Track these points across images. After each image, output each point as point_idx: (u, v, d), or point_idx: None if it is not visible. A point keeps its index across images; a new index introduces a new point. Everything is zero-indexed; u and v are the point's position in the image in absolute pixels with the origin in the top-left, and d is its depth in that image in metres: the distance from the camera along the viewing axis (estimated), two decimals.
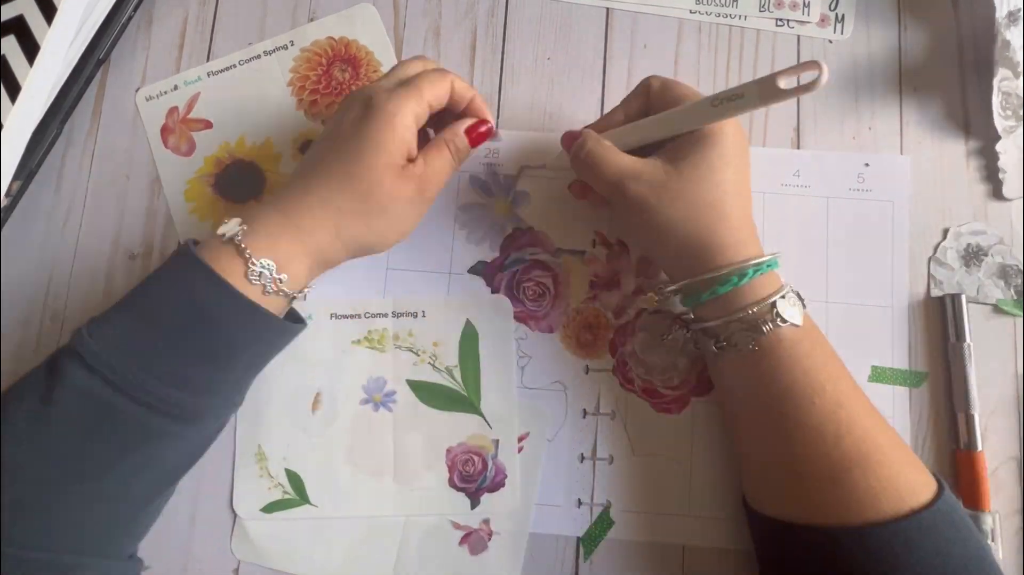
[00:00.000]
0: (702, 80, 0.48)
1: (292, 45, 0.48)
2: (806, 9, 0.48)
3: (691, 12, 0.48)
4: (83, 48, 0.45)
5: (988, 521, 0.40)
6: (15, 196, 0.45)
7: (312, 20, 0.49)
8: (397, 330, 0.43)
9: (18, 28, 0.41)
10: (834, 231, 0.45)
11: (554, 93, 0.48)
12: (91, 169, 0.47)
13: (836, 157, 0.46)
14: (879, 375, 0.44)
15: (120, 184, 0.47)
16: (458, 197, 0.46)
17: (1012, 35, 0.45)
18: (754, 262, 0.36)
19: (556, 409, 0.44)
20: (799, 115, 0.47)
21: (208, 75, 0.48)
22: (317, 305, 0.44)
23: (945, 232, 0.45)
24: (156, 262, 0.46)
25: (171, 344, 0.34)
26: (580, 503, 0.43)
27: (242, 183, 0.47)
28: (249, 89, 0.48)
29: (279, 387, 0.43)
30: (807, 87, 0.32)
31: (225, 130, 0.47)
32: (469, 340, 0.42)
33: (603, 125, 0.42)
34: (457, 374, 0.41)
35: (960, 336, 0.43)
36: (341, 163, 0.37)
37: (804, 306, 0.37)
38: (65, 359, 0.34)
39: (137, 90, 0.48)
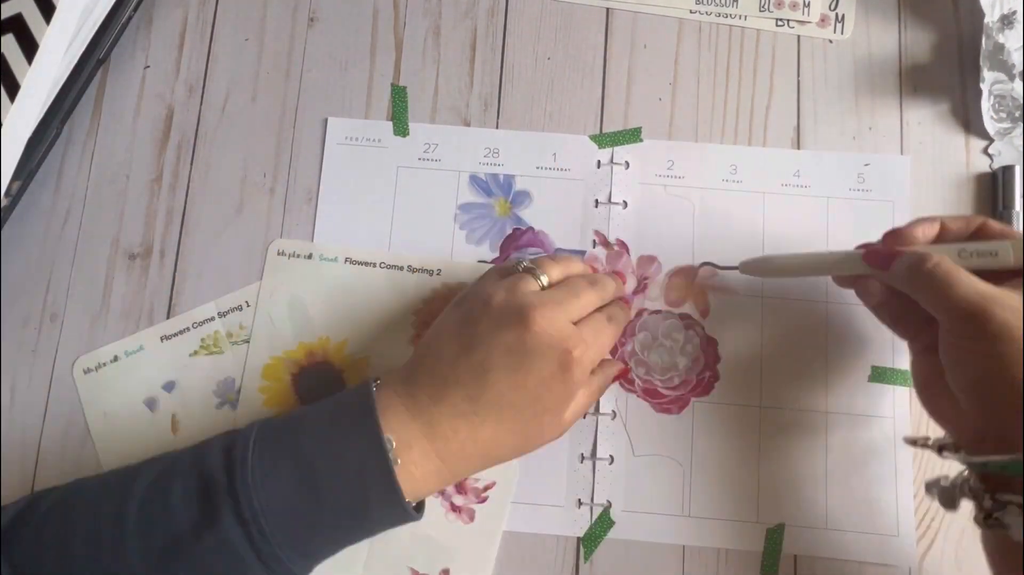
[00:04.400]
0: (702, 80, 0.48)
1: (438, 274, 0.45)
2: (806, 9, 0.48)
3: (691, 12, 0.48)
4: (83, 48, 0.45)
5: None
6: (15, 196, 0.45)
7: (312, 21, 0.49)
8: (229, 328, 0.44)
9: (17, 27, 0.41)
10: (834, 231, 0.45)
11: (554, 93, 0.48)
12: (91, 169, 0.47)
13: (836, 157, 0.46)
14: (879, 375, 0.44)
15: (120, 184, 0.47)
16: (458, 197, 0.46)
17: (1007, 38, 0.45)
18: None
19: None
20: (799, 115, 0.47)
21: (346, 261, 0.45)
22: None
23: None
24: (156, 262, 0.46)
25: (326, 532, 0.33)
26: (580, 503, 0.43)
27: (319, 389, 0.44)
28: (368, 296, 0.45)
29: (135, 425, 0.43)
30: None
31: (330, 324, 0.44)
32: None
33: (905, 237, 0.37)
34: None
35: (1009, 204, 0.44)
36: (520, 421, 0.35)
37: None
38: (225, 501, 0.31)
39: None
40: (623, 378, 0.43)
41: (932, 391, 0.37)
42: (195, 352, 0.45)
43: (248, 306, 0.45)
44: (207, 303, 0.45)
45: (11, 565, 0.31)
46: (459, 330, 0.36)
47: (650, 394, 0.44)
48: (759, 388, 0.44)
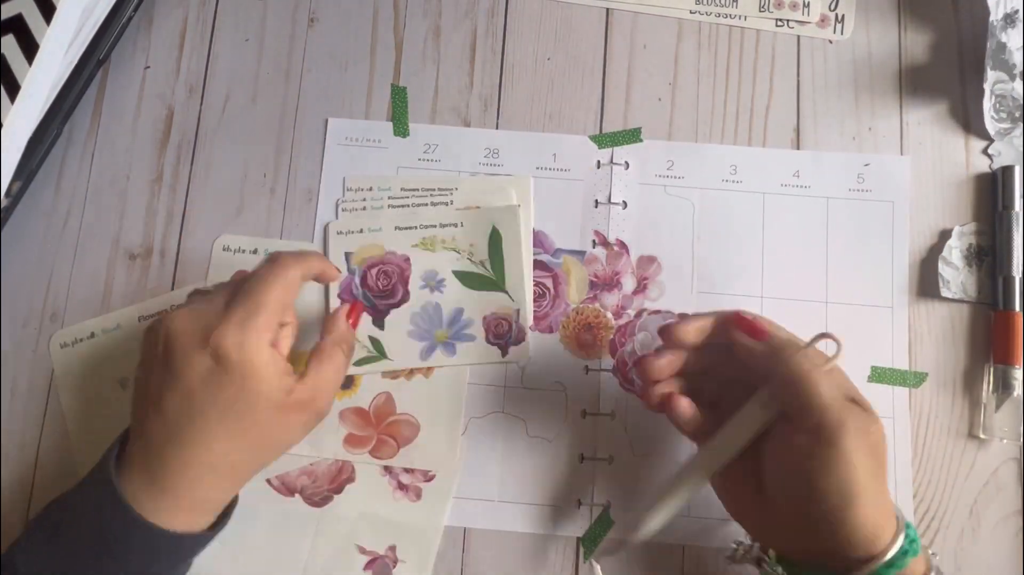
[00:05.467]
0: (702, 80, 0.48)
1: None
2: (806, 9, 0.48)
3: (691, 12, 0.48)
4: (83, 48, 0.45)
5: (1017, 375, 0.42)
6: (15, 196, 0.45)
7: (313, 21, 0.49)
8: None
9: (17, 27, 0.41)
10: (834, 231, 0.45)
11: (554, 93, 0.48)
12: (91, 169, 0.47)
13: (836, 157, 0.46)
14: (879, 375, 0.44)
15: (120, 184, 0.47)
16: None
17: (1009, 37, 0.45)
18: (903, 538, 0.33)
19: (556, 409, 0.44)
20: (799, 115, 0.47)
21: None
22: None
23: (946, 232, 0.45)
24: (156, 262, 0.46)
25: (74, 563, 0.34)
26: (580, 503, 0.43)
27: None
28: (317, 288, 0.45)
29: None
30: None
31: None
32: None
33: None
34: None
35: (1008, 205, 0.44)
36: (218, 438, 0.34)
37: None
38: None
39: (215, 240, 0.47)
40: (363, 309, 0.43)
41: (745, 501, 0.37)
42: None
43: None
44: (186, 286, 0.46)
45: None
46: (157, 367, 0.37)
47: None
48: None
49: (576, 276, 0.45)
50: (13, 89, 0.41)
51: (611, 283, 0.45)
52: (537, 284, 0.45)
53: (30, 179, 0.46)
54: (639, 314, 0.45)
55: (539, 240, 0.46)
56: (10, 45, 0.41)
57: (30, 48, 0.41)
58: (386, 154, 0.47)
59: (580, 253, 0.46)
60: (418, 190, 0.46)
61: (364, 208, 0.46)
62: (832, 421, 0.32)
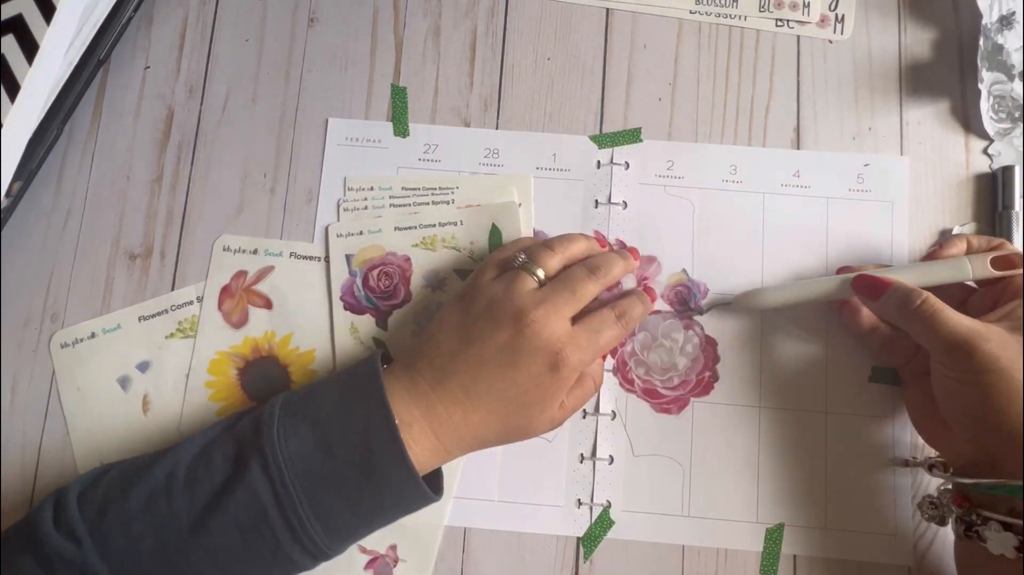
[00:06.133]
0: (702, 80, 0.48)
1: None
2: (806, 9, 0.48)
3: (691, 12, 0.48)
4: (83, 48, 0.45)
5: None
6: (15, 196, 0.45)
7: (313, 21, 0.49)
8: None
9: (17, 27, 0.41)
10: (834, 231, 0.45)
11: (554, 93, 0.48)
12: (91, 169, 0.47)
13: (836, 157, 0.46)
14: (879, 375, 0.44)
15: (120, 184, 0.47)
16: None
17: (1006, 39, 0.45)
18: None
19: None
20: (799, 115, 0.47)
21: (291, 255, 0.46)
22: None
23: (946, 232, 0.45)
24: (156, 262, 0.46)
25: (340, 489, 0.35)
26: (580, 503, 0.43)
27: (265, 383, 0.44)
28: (313, 290, 0.45)
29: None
30: None
31: (277, 320, 0.45)
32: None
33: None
34: None
35: (1008, 205, 0.44)
36: (507, 412, 0.38)
37: None
38: (254, 456, 0.35)
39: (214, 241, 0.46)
40: (621, 375, 0.43)
41: (926, 417, 0.40)
42: (171, 334, 0.45)
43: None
44: (187, 286, 0.46)
45: (86, 522, 0.35)
46: (459, 326, 0.39)
47: (650, 394, 0.44)
48: (759, 388, 0.44)
49: None
50: (13, 89, 0.41)
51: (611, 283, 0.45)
52: None
53: (30, 179, 0.46)
54: None
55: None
56: (10, 45, 0.41)
57: (30, 48, 0.41)
58: (386, 154, 0.47)
59: None
60: (419, 189, 0.46)
61: (366, 207, 0.46)
62: (964, 344, 0.34)
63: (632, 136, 0.47)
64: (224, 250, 0.46)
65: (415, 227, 0.46)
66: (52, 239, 0.46)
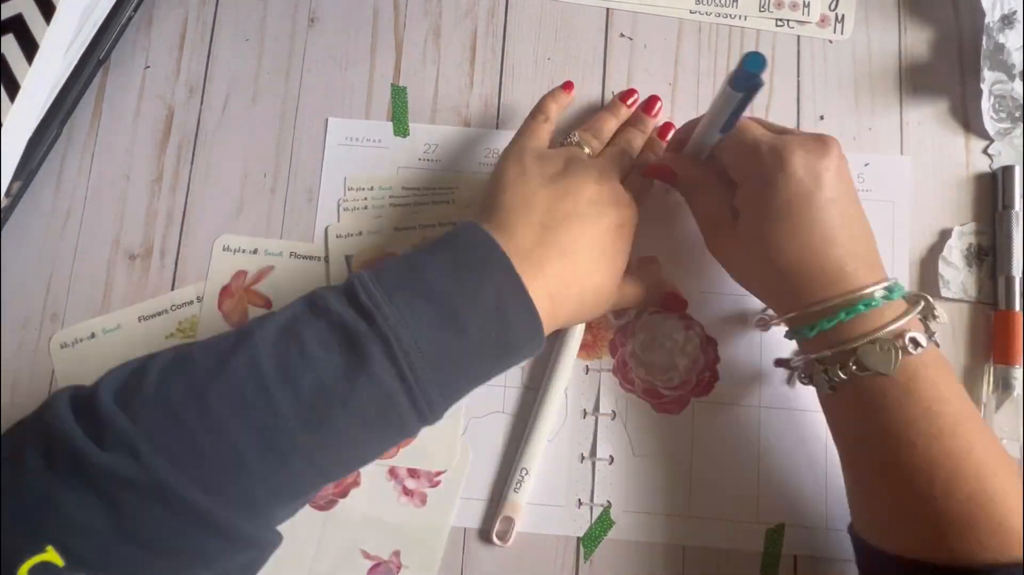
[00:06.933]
0: (702, 80, 0.48)
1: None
2: (806, 9, 0.48)
3: (691, 12, 0.48)
4: (83, 48, 0.45)
5: (1017, 375, 0.42)
6: (15, 196, 0.45)
7: (313, 21, 0.49)
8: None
9: (17, 27, 0.41)
10: None
11: None
12: (91, 169, 0.47)
13: None
14: None
15: (120, 184, 0.47)
16: None
17: (1007, 38, 0.45)
18: (883, 286, 0.34)
19: (557, 409, 0.44)
20: (799, 115, 0.47)
21: (291, 255, 0.46)
22: None
23: (946, 232, 0.45)
24: (156, 262, 0.46)
25: (474, 367, 0.34)
26: (580, 503, 0.43)
27: None
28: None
29: None
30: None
31: None
32: None
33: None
34: None
35: (1008, 204, 0.44)
36: (604, 259, 0.38)
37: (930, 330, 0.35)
38: (372, 343, 0.31)
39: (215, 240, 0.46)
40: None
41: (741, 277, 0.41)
42: (171, 335, 0.45)
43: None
44: (187, 286, 0.46)
45: (137, 432, 0.29)
46: (546, 182, 0.39)
47: (650, 394, 0.44)
48: (759, 388, 0.44)
49: None
50: (13, 89, 0.41)
51: None
52: None
53: (30, 179, 0.46)
54: (639, 314, 0.45)
55: None
56: (10, 45, 0.41)
57: (30, 48, 0.41)
58: (386, 154, 0.47)
59: None
60: (419, 189, 0.46)
61: (366, 207, 0.46)
62: (767, 152, 0.36)
63: None
64: (224, 250, 0.46)
65: (415, 227, 0.46)
66: (52, 239, 0.46)
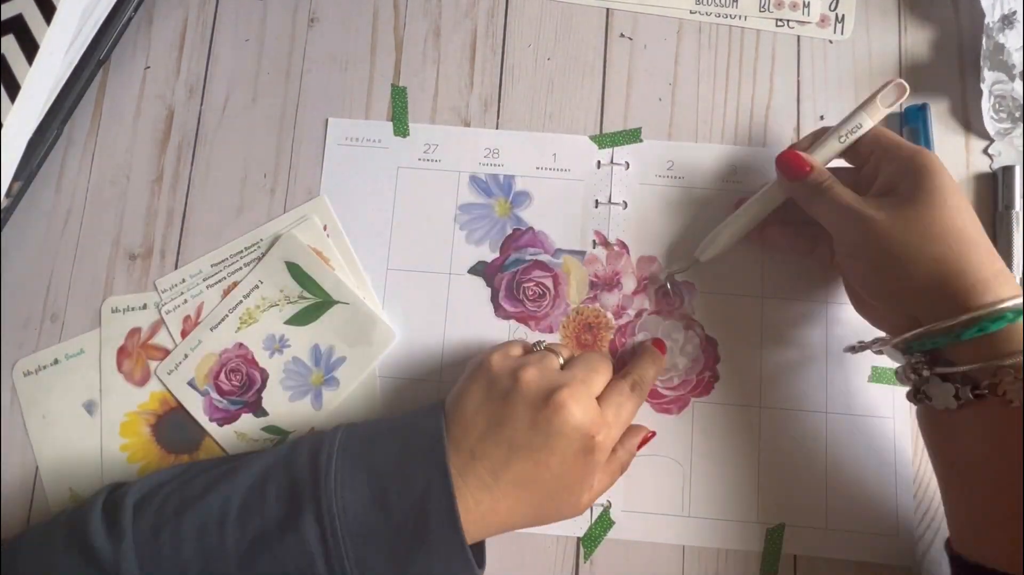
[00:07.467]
0: (702, 80, 0.48)
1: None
2: (806, 9, 0.48)
3: (691, 12, 0.48)
4: (83, 48, 0.45)
5: None
6: (15, 196, 0.45)
7: (313, 21, 0.49)
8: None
9: (17, 27, 0.41)
10: None
11: (554, 93, 0.48)
12: (91, 169, 0.47)
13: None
14: (879, 376, 0.44)
15: (120, 184, 0.47)
16: (458, 197, 0.46)
17: (1007, 38, 0.45)
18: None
19: None
20: (799, 115, 0.47)
21: (183, 302, 0.45)
22: None
23: None
24: (156, 263, 0.46)
25: (390, 550, 0.34)
26: None
27: (181, 435, 0.44)
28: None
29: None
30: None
31: None
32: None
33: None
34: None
35: (1008, 205, 0.44)
36: (538, 498, 0.36)
37: None
38: (308, 502, 0.34)
39: (103, 301, 0.45)
40: (646, 444, 0.43)
41: (855, 298, 0.41)
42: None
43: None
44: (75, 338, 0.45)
45: (139, 533, 0.35)
46: (484, 405, 0.37)
47: (650, 394, 0.44)
48: (759, 388, 0.44)
49: (576, 276, 0.45)
50: (13, 89, 0.41)
51: (611, 283, 0.45)
52: (537, 284, 0.45)
53: (30, 179, 0.46)
54: (639, 314, 0.45)
55: (539, 240, 0.46)
56: (10, 45, 0.41)
57: (30, 48, 0.41)
58: (386, 154, 0.47)
59: (580, 253, 0.46)
60: (227, 259, 0.45)
61: (185, 301, 0.45)
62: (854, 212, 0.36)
63: (632, 136, 0.47)
64: (113, 312, 0.45)
65: (227, 315, 0.45)
66: (52, 239, 0.46)
